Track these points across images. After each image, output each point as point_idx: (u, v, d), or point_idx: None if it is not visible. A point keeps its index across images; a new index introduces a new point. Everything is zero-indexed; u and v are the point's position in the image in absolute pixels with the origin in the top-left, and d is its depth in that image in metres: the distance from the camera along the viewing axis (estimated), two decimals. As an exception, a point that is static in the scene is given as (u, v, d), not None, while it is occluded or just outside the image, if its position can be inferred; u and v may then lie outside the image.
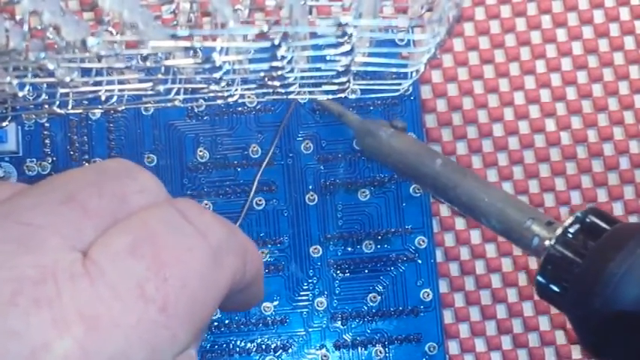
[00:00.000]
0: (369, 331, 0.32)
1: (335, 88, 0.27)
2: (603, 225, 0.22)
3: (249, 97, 0.31)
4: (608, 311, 0.20)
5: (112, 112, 0.32)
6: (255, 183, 0.32)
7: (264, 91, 0.27)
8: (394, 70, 0.26)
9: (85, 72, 0.25)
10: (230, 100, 0.28)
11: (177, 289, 0.16)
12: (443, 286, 0.32)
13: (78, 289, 0.15)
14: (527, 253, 0.24)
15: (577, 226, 0.22)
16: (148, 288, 0.16)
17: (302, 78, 0.26)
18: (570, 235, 0.22)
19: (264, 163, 0.32)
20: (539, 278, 0.23)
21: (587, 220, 0.22)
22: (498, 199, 0.25)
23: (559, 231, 0.22)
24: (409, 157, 0.27)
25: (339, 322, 0.32)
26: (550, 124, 0.33)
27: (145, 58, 0.24)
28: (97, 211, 0.17)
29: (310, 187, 0.32)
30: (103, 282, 0.15)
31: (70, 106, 0.27)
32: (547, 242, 0.23)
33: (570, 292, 0.22)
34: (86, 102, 0.29)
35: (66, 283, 0.15)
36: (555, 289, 0.22)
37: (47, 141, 0.32)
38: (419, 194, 0.32)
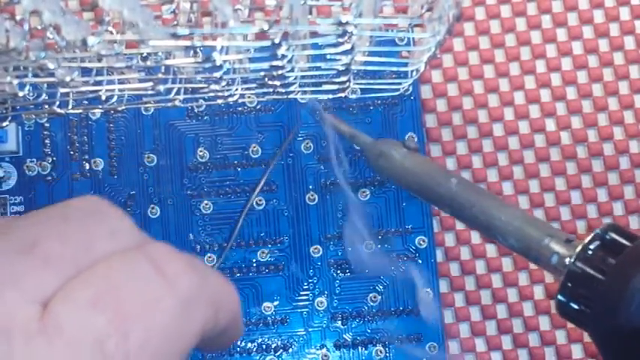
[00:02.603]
0: (369, 331, 0.32)
1: (335, 87, 0.27)
2: (623, 241, 0.22)
3: (249, 96, 0.31)
4: (632, 328, 0.20)
5: (112, 112, 0.32)
6: (259, 187, 0.32)
7: (265, 90, 0.27)
8: (394, 69, 0.26)
9: (86, 72, 0.25)
10: (230, 99, 0.28)
11: (139, 345, 0.15)
12: (443, 286, 0.32)
13: (33, 351, 0.14)
14: (553, 274, 0.24)
15: (597, 243, 0.22)
16: (109, 345, 0.15)
17: (302, 77, 0.26)
18: (590, 252, 0.22)
19: (270, 166, 0.32)
20: (560, 297, 0.22)
21: (607, 236, 0.22)
22: (515, 218, 0.24)
23: (579, 248, 0.22)
24: (424, 177, 0.27)
25: (340, 322, 0.32)
26: (550, 124, 0.33)
27: (145, 58, 0.24)
28: (59, 259, 0.16)
29: (310, 186, 0.32)
30: (61, 340, 0.15)
31: (70, 106, 0.27)
32: (567, 259, 0.22)
33: (593, 310, 0.21)
34: (86, 102, 0.29)
35: (20, 344, 0.14)
36: (576, 307, 0.22)
37: (47, 141, 0.32)
38: (419, 194, 0.32)
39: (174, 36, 0.21)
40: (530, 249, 0.24)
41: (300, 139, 0.32)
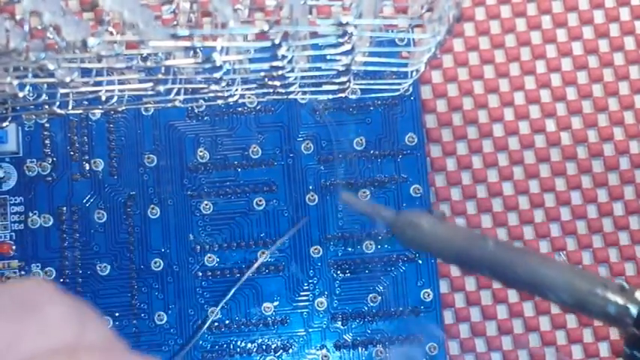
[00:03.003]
0: (369, 332, 0.32)
1: (335, 87, 0.27)
2: None
3: (249, 97, 0.31)
4: None
5: (112, 112, 0.32)
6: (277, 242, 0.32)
7: (265, 91, 0.27)
8: (394, 69, 0.26)
9: (86, 72, 0.25)
10: (230, 100, 0.28)
11: None
12: (443, 287, 0.32)
13: None
14: (611, 325, 0.23)
15: None
16: None
17: (302, 78, 0.26)
18: None
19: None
20: (629, 349, 0.22)
21: None
22: (563, 272, 0.23)
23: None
24: (458, 242, 0.25)
25: (340, 323, 0.32)
26: (550, 125, 0.33)
27: (145, 59, 0.24)
28: None
29: (310, 187, 0.32)
30: None
31: (70, 107, 0.27)
32: (630, 307, 0.22)
33: None
34: (86, 102, 0.29)
35: None
36: None
37: (47, 141, 0.32)
38: (419, 195, 0.32)
39: (174, 37, 0.21)
40: (585, 302, 0.23)
41: (301, 139, 0.32)
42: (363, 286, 0.32)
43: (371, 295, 0.32)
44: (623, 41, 0.34)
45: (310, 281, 0.32)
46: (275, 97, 0.28)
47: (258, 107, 0.32)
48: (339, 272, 0.32)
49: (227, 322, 0.31)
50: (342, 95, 0.29)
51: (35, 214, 0.32)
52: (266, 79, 0.26)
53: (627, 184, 0.33)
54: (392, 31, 0.30)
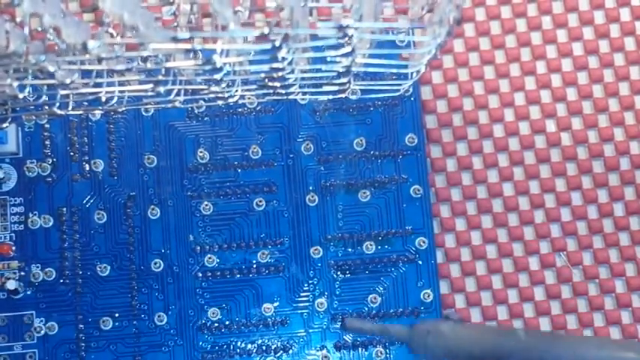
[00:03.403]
0: (369, 332, 0.32)
1: (335, 88, 0.27)
2: None
3: (249, 98, 0.31)
4: None
5: (112, 113, 0.32)
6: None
7: (265, 91, 0.27)
8: (395, 70, 0.26)
9: (86, 73, 0.25)
10: (230, 101, 0.28)
11: None
12: (443, 287, 0.32)
13: None
14: None
15: None
16: None
17: (303, 78, 0.26)
18: None
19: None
20: None
21: None
22: (605, 346, 0.23)
23: None
24: (486, 340, 0.25)
25: (340, 323, 0.32)
26: (550, 125, 0.33)
27: (145, 60, 0.24)
28: None
29: (311, 187, 0.32)
30: None
31: (70, 107, 0.27)
32: None
33: None
34: (86, 103, 0.29)
35: None
36: None
37: (47, 142, 0.32)
38: (419, 195, 0.32)
39: (175, 39, 0.21)
40: None
41: (301, 140, 0.32)
42: (364, 286, 0.32)
43: (371, 296, 0.32)
44: (623, 42, 0.34)
45: (310, 282, 0.32)
46: (275, 97, 0.28)
47: (258, 108, 0.32)
48: (339, 273, 0.32)
49: (227, 322, 0.31)
50: (342, 96, 0.29)
51: (35, 214, 0.32)
52: (266, 80, 0.26)
53: (628, 185, 0.33)
54: (392, 33, 0.30)
